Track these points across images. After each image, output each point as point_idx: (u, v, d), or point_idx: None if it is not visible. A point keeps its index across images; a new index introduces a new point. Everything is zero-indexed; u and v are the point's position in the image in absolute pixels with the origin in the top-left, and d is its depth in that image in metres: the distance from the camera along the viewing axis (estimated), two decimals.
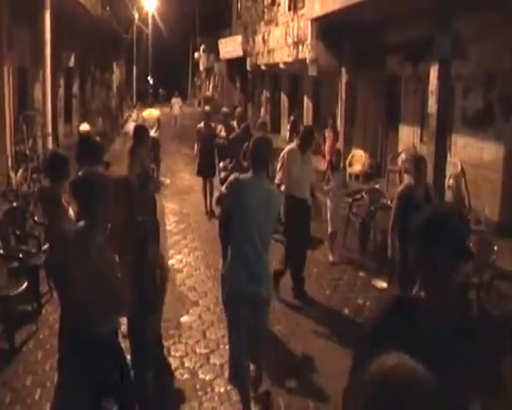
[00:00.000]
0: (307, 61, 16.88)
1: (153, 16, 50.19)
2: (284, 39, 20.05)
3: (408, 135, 14.04)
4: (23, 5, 12.22)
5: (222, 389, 5.37)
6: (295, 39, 18.59)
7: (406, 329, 2.13)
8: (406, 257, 6.00)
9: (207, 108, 13.74)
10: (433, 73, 10.95)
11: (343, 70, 15.63)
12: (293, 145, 7.61)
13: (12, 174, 11.21)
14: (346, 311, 7.30)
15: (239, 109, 13.05)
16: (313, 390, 5.45)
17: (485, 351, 2.20)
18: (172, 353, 6.02)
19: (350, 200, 10.17)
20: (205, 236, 10.34)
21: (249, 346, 4.79)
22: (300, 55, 17.90)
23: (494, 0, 9.28)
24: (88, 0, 15.60)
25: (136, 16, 42.33)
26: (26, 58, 13.80)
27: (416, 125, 13.61)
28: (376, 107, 15.72)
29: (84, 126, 16.69)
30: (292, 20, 19.35)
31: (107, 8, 22.17)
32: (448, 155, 11.24)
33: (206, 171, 11.84)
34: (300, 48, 17.98)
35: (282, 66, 20.94)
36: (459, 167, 11.31)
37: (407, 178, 12.71)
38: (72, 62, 20.14)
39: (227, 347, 5.85)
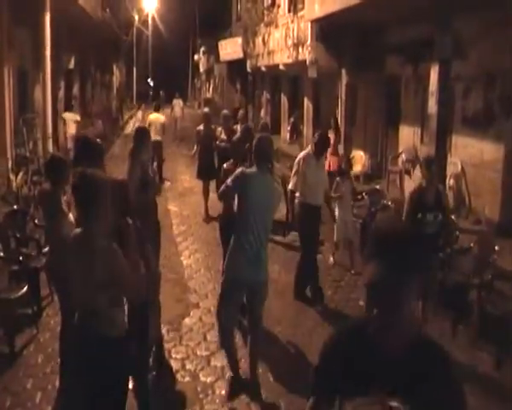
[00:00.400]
0: (307, 62, 16.89)
1: (153, 18, 50.32)
2: (284, 41, 20.05)
3: (408, 135, 14.03)
4: (23, 7, 12.24)
5: (223, 392, 5.36)
6: (295, 41, 18.59)
7: (353, 358, 2.01)
8: None
9: (207, 109, 13.61)
10: (434, 73, 10.96)
11: (343, 71, 15.63)
12: (308, 150, 7.50)
13: (12, 177, 11.23)
14: (347, 312, 7.29)
15: (242, 111, 12.98)
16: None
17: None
18: (173, 355, 6.01)
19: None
20: (205, 238, 10.34)
21: (248, 336, 5.42)
22: (300, 57, 17.90)
23: (494, 0, 9.28)
24: (88, 2, 15.60)
25: (136, 18, 42.40)
26: (26, 60, 13.82)
27: (416, 126, 13.60)
28: (376, 107, 15.71)
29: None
30: (292, 22, 19.34)
31: (107, 10, 22.18)
32: (448, 155, 11.26)
33: (206, 174, 11.75)
34: (300, 49, 17.98)
35: (282, 67, 20.93)
36: (459, 167, 11.30)
37: (407, 179, 12.75)
38: (72, 64, 20.15)
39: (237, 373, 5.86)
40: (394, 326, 1.92)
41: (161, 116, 17.02)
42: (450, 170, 11.04)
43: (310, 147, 7.54)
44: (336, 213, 8.75)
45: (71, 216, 5.10)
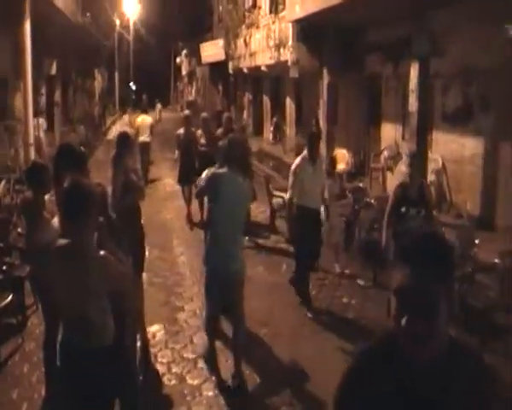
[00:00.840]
0: (289, 62, 16.95)
1: (134, 22, 50.14)
2: (266, 42, 20.10)
3: (390, 133, 14.15)
4: (2, 14, 12.16)
5: (210, 393, 5.39)
6: (277, 42, 18.65)
7: (378, 377, 1.86)
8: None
9: (187, 112, 13.39)
10: (413, 71, 11.08)
11: (324, 71, 15.70)
12: (302, 155, 7.39)
13: None
14: (332, 309, 7.35)
15: (227, 114, 12.82)
16: (298, 390, 5.49)
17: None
18: (159, 359, 6.03)
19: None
20: (189, 241, 10.35)
21: (232, 331, 5.73)
22: (282, 58, 17.96)
23: None
24: (68, 7, 15.54)
25: (118, 22, 42.23)
26: (6, 67, 13.72)
27: (397, 123, 13.72)
28: (358, 106, 15.81)
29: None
30: (273, 23, 19.41)
31: (88, 15, 22.08)
32: (429, 151, 11.37)
33: (187, 178, 11.55)
34: (282, 50, 18.05)
35: (263, 68, 20.99)
36: (440, 163, 11.42)
37: (390, 176, 12.87)
38: (53, 70, 20.03)
39: (215, 354, 5.92)
40: (427, 336, 1.76)
41: (148, 117, 17.09)
42: (431, 166, 11.15)
43: (304, 152, 7.41)
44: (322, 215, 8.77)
45: (55, 221, 5.08)
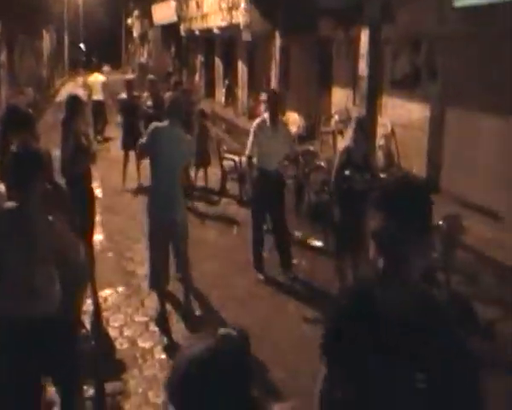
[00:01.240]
0: (241, 25, 16.82)
1: None
2: (218, 4, 19.83)
3: (340, 97, 14.30)
4: None
5: (162, 356, 5.47)
6: (229, 4, 18.44)
7: (360, 322, 1.95)
8: (344, 217, 6.26)
9: (130, 76, 13.09)
10: (364, 37, 11.15)
11: (277, 34, 15.66)
12: (262, 117, 7.34)
13: None
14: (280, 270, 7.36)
15: (175, 78, 12.64)
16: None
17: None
18: (111, 323, 6.07)
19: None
20: (140, 206, 10.28)
21: (177, 267, 6.29)
22: (234, 20, 17.80)
23: None
24: None
25: None
26: None
27: (348, 88, 13.86)
28: (310, 70, 15.88)
29: None
30: None
31: None
32: (379, 116, 11.56)
33: (131, 144, 10.96)
34: (234, 13, 17.87)
35: (216, 31, 20.78)
36: (389, 128, 11.64)
37: (340, 140, 13.03)
38: None
39: (166, 315, 6.03)
40: (401, 278, 1.85)
41: (100, 76, 16.70)
42: (380, 130, 11.35)
43: (265, 114, 7.33)
44: None
45: (1, 186, 4.98)
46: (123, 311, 6.35)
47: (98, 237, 8.09)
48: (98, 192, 9.99)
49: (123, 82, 13.24)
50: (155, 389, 4.93)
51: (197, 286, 6.64)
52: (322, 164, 9.71)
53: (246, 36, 16.87)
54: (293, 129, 14.95)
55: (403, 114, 11.37)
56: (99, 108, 15.84)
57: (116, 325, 6.05)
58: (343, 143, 11.24)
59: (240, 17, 17.03)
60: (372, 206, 1.90)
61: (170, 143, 5.77)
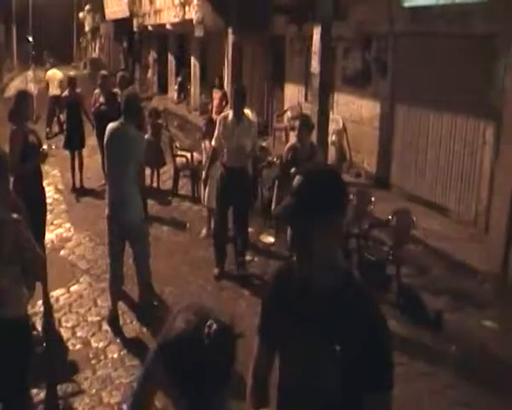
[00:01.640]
0: (194, 21, 16.75)
1: None
2: (171, 0, 19.72)
3: (293, 94, 14.43)
4: None
5: (115, 355, 5.44)
6: (182, 0, 18.34)
7: (285, 303, 2.11)
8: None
9: (72, 73, 12.74)
10: (316, 34, 11.26)
11: (229, 31, 15.65)
12: (227, 112, 7.30)
13: None
14: (234, 267, 7.39)
15: (121, 73, 12.34)
16: None
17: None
18: (64, 324, 6.01)
19: None
20: (94, 202, 10.18)
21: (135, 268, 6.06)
22: (187, 16, 17.71)
23: None
24: None
25: None
26: None
27: (300, 85, 14.00)
28: (262, 67, 15.97)
29: None
30: None
31: None
32: (331, 112, 11.71)
33: (73, 143, 10.90)
34: (187, 8, 17.78)
35: (169, 27, 20.63)
36: (341, 124, 11.83)
37: (292, 136, 13.15)
38: None
39: (118, 314, 5.99)
40: (308, 263, 1.99)
41: (59, 72, 16.58)
42: (332, 126, 11.51)
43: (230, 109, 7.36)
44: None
45: None
46: (75, 311, 6.28)
47: (49, 236, 7.97)
48: (50, 191, 9.86)
49: (77, 77, 12.95)
50: (109, 388, 4.91)
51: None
52: (275, 160, 9.77)
53: (198, 32, 16.81)
54: None
55: (354, 111, 11.56)
56: (57, 102, 15.63)
57: (68, 325, 5.98)
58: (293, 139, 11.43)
59: (192, 13, 16.95)
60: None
61: (122, 143, 5.69)
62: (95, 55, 43.13)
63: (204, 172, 7.70)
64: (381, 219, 7.38)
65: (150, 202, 9.91)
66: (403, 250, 6.95)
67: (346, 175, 10.66)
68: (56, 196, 10.67)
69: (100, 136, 10.48)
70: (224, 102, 13.93)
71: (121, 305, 6.20)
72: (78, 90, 11.35)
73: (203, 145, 8.83)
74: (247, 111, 7.36)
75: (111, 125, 5.86)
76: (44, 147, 6.53)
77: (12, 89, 25.25)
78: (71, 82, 11.39)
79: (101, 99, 10.67)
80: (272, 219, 8.47)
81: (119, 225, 5.77)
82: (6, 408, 3.62)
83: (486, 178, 8.21)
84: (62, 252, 7.93)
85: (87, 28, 47.18)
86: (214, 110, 14.09)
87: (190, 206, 10.11)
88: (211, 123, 8.72)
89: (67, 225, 9.08)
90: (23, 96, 6.75)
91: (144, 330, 5.85)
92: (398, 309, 6.23)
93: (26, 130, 6.45)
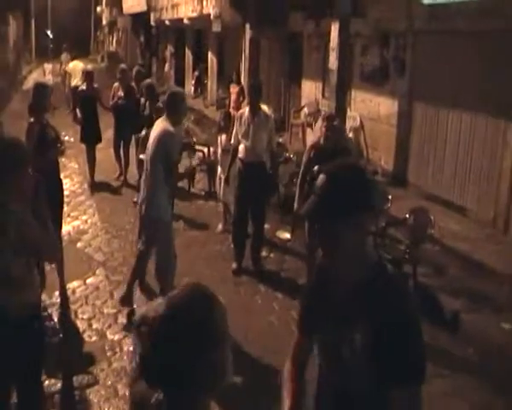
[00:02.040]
0: (211, 16, 16.75)
1: None
2: None
3: (310, 90, 14.38)
4: None
5: (131, 348, 5.45)
6: None
7: (321, 296, 2.18)
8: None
9: (90, 66, 12.65)
10: (334, 30, 11.21)
11: (247, 26, 15.63)
12: (244, 109, 7.24)
13: None
14: (250, 263, 7.37)
15: (137, 68, 12.25)
16: None
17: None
18: (80, 315, 6.02)
19: None
20: (110, 195, 10.22)
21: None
22: (205, 11, 17.71)
23: None
24: None
25: None
26: None
27: (317, 81, 13.95)
28: (280, 63, 15.92)
29: None
30: None
31: None
32: (348, 109, 11.67)
33: (90, 138, 10.84)
34: (205, 3, 17.77)
35: (186, 21, 20.63)
36: (358, 121, 11.76)
37: (309, 132, 13.12)
38: None
39: (135, 305, 6.00)
40: (336, 259, 2.06)
41: (80, 63, 16.74)
42: (349, 123, 11.47)
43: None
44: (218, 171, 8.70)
45: None
46: (91, 303, 6.30)
47: (66, 228, 8.01)
48: (66, 183, 9.90)
49: (95, 70, 12.96)
50: (124, 381, 4.91)
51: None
52: (292, 156, 9.74)
53: (216, 27, 16.81)
54: None
55: (372, 108, 11.50)
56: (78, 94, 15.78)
57: (85, 317, 5.99)
58: (312, 135, 11.39)
59: (210, 8, 16.95)
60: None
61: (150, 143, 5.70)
62: (112, 48, 43.26)
63: (219, 168, 7.68)
64: (398, 217, 7.32)
65: None
66: (419, 249, 6.88)
67: None
68: (73, 188, 10.73)
69: (118, 129, 10.57)
70: (241, 97, 13.93)
71: (141, 297, 6.20)
72: (96, 85, 11.27)
73: (219, 139, 8.83)
74: (263, 106, 7.31)
75: (164, 127, 5.58)
76: (66, 138, 6.51)
77: (30, 81, 25.44)
78: (88, 76, 11.24)
79: (120, 93, 10.67)
80: (288, 215, 8.46)
81: (142, 220, 5.92)
82: (21, 396, 3.63)
83: (506, 178, 8.13)
84: (79, 244, 7.97)
85: (104, 22, 47.36)
86: (232, 105, 14.09)
87: (206, 201, 10.11)
88: (228, 117, 8.76)
89: (84, 217, 9.12)
90: (41, 88, 6.77)
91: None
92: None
93: (45, 123, 6.48)
